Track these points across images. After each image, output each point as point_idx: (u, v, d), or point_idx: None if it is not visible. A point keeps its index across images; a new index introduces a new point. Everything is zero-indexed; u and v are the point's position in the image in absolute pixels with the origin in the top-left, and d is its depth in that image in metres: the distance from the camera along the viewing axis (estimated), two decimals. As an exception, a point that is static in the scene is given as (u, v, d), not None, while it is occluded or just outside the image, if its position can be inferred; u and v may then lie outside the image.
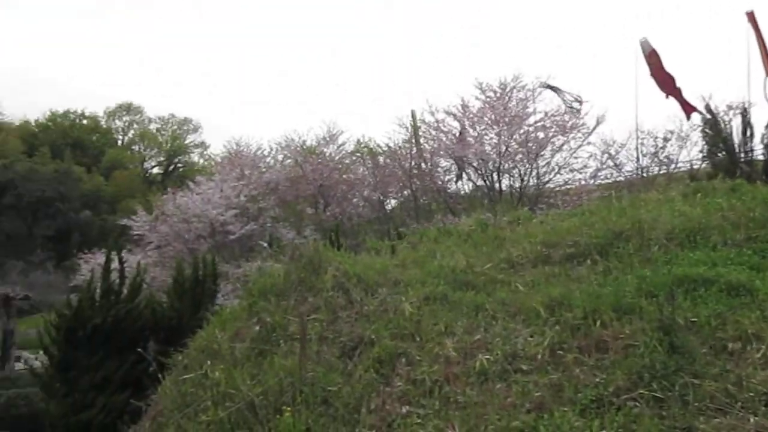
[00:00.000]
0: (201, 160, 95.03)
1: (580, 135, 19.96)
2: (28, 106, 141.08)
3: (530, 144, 19.69)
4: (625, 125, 23.92)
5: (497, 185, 20.65)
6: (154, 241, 23.16)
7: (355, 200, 24.06)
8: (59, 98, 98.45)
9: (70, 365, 11.76)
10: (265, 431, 4.32)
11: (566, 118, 19.98)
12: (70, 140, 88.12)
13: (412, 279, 6.35)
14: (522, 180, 20.36)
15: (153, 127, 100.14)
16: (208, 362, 5.23)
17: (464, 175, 21.66)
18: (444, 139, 21.69)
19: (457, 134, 21.19)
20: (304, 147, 25.45)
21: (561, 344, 4.82)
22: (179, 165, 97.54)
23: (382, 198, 23.99)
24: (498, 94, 20.43)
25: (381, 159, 24.03)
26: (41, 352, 23.99)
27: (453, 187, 22.53)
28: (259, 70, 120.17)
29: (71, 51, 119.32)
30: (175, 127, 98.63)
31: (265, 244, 20.72)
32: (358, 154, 26.30)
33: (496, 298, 5.80)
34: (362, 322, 5.61)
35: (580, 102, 20.12)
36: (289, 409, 4.34)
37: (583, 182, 20.33)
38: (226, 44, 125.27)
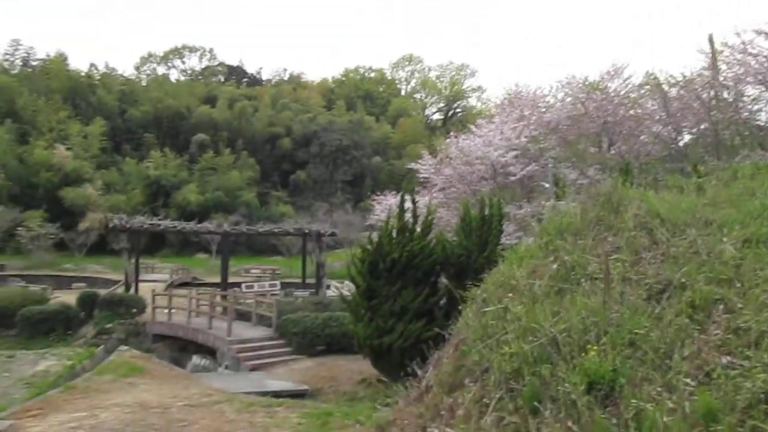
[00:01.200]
0: (479, 104, 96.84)
1: None
2: (326, 66, 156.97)
3: None
4: None
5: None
6: (439, 183, 24.26)
7: (642, 137, 22.26)
8: (351, 55, 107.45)
9: (372, 294, 13.05)
10: (569, 368, 4.28)
11: None
12: (361, 93, 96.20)
13: (727, 219, 5.68)
14: None
15: (432, 74, 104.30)
16: (509, 297, 5.32)
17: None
18: (753, 62, 18.78)
19: (772, 55, 18.17)
20: (587, 83, 24.13)
21: None
22: (458, 110, 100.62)
23: (674, 133, 21.83)
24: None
25: (673, 91, 21.76)
26: (345, 282, 27.15)
27: (763, 117, 19.56)
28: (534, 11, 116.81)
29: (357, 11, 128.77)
30: (453, 73, 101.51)
31: (547, 185, 20.42)
32: (647, 87, 24.15)
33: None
34: (669, 264, 5.19)
35: None
36: (594, 348, 4.24)
37: None
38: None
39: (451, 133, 27.15)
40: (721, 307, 4.54)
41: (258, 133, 76.87)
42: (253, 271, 44.88)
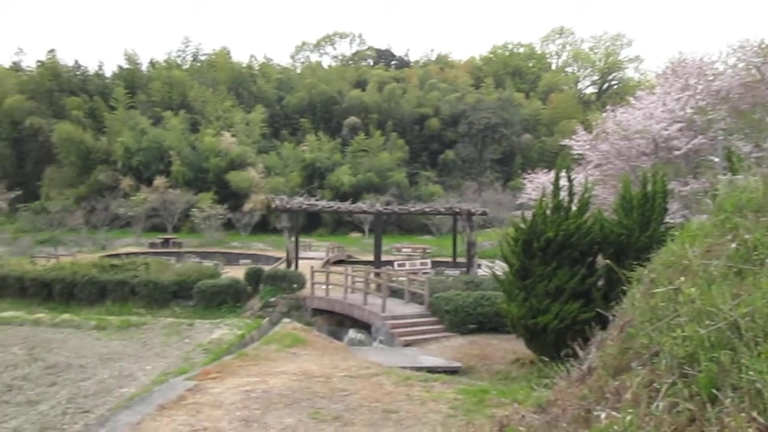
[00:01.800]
0: (637, 75, 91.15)
1: None
2: (473, 44, 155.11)
3: None
4: None
5: None
6: (595, 159, 23.26)
7: (832, 103, 19.87)
8: (498, 31, 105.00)
9: (526, 273, 12.86)
10: (753, 354, 3.96)
11: None
12: (510, 69, 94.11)
13: None
14: None
15: (585, 46, 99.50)
16: (681, 279, 5.00)
17: None
18: None
19: None
20: (763, 46, 21.85)
21: None
22: (614, 82, 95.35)
23: None
24: None
25: None
26: (496, 261, 26.93)
27: None
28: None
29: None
30: (608, 43, 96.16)
31: (716, 159, 18.83)
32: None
33: None
34: None
35: None
36: (783, 334, 3.89)
37: None
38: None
39: (608, 107, 25.84)
40: None
41: (407, 114, 77.90)
42: (404, 249, 45.82)
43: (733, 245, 5.17)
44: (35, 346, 17.49)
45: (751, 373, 3.88)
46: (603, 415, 4.52)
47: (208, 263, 34.26)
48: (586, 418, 4.86)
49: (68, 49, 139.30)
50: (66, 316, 21.76)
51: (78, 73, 79.63)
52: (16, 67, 79.68)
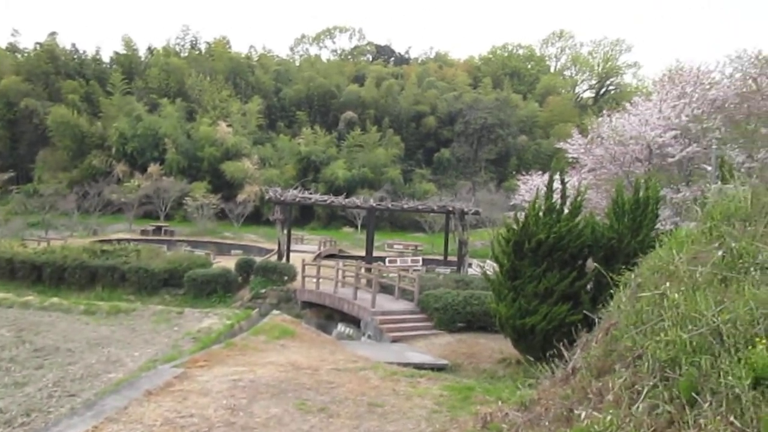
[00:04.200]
0: (634, 81, 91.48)
1: None
2: (473, 44, 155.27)
3: None
4: None
5: None
6: (589, 163, 23.37)
7: (826, 117, 20.02)
8: (498, 32, 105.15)
9: (516, 274, 12.94)
10: (732, 360, 4.05)
11: None
12: (508, 70, 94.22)
13: None
14: None
15: (585, 50, 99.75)
16: (666, 284, 5.09)
17: None
18: None
19: None
20: (760, 57, 22.02)
21: None
22: (611, 87, 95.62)
23: None
24: None
25: None
26: (487, 261, 27.03)
27: None
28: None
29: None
30: (607, 48, 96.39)
31: (709, 168, 18.96)
32: (833, 60, 21.59)
33: None
34: None
35: None
36: (763, 341, 3.98)
37: None
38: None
39: (604, 112, 25.98)
40: None
41: (404, 111, 77.89)
42: (396, 246, 45.91)
43: (719, 253, 5.25)
44: (23, 329, 17.49)
45: (730, 378, 3.96)
46: (584, 415, 4.61)
47: (199, 252, 34.27)
48: (568, 417, 4.95)
49: (66, 33, 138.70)
50: (55, 299, 21.76)
51: (75, 57, 79.09)
52: (12, 48, 79.08)
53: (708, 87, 21.92)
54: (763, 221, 5.53)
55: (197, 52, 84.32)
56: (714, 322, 4.36)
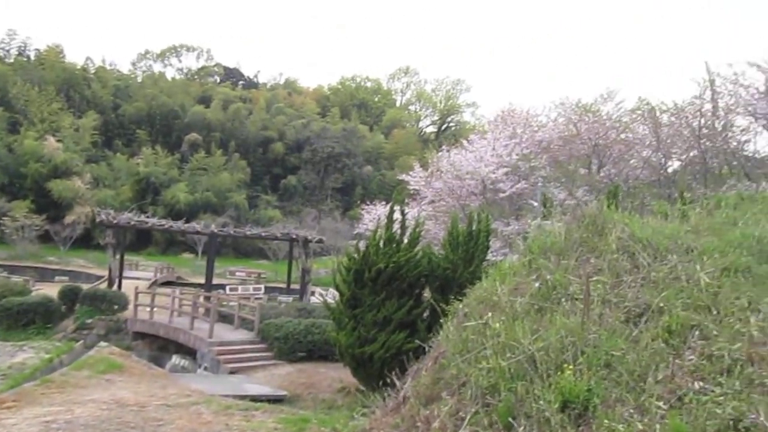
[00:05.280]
0: (472, 119, 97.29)
1: None
2: (322, 74, 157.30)
3: None
4: None
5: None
6: (429, 196, 24.34)
7: (632, 161, 22.53)
8: (347, 64, 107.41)
9: (357, 302, 13.05)
10: (545, 385, 4.34)
11: None
12: (356, 101, 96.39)
13: (708, 247, 5.78)
14: None
15: (428, 87, 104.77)
16: (489, 314, 5.37)
17: (768, 134, 18.86)
18: (743, 94, 19.09)
19: (762, 88, 18.48)
20: (580, 105, 24.41)
21: None
22: (452, 124, 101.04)
23: (663, 159, 22.08)
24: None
25: (665, 117, 22.03)
26: (330, 289, 27.10)
27: (751, 148, 19.84)
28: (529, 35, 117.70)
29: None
30: (449, 87, 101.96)
31: (535, 204, 20.54)
32: (639, 113, 24.44)
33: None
34: (649, 288, 5.28)
35: None
36: (570, 367, 4.31)
37: None
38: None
39: (444, 147, 27.28)
40: (697, 333, 4.63)
41: (251, 135, 76.81)
42: (238, 273, 44.71)
43: (537, 284, 5.67)
44: None
45: (542, 402, 4.24)
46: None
47: (17, 278, 31.08)
48: (396, 446, 5.02)
49: None
50: None
51: None
52: None
53: (536, 129, 23.88)
54: (574, 255, 6.05)
55: (25, 59, 77.54)
56: (529, 350, 4.66)
